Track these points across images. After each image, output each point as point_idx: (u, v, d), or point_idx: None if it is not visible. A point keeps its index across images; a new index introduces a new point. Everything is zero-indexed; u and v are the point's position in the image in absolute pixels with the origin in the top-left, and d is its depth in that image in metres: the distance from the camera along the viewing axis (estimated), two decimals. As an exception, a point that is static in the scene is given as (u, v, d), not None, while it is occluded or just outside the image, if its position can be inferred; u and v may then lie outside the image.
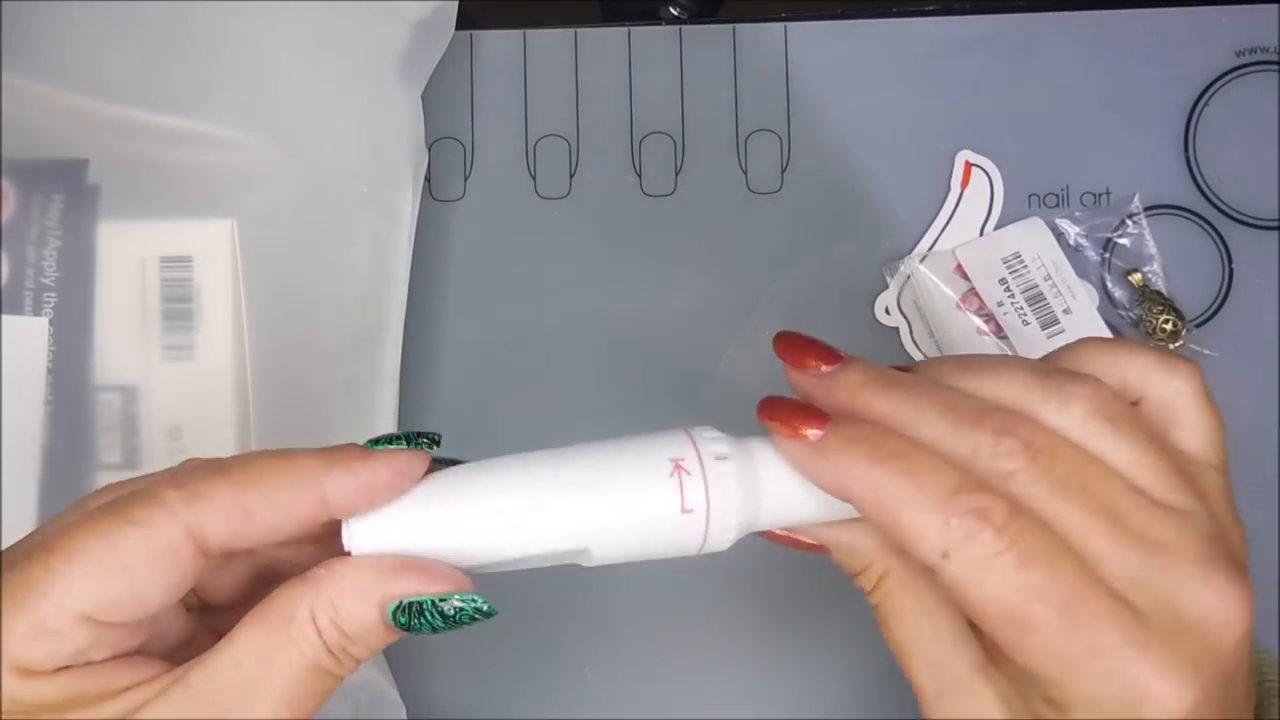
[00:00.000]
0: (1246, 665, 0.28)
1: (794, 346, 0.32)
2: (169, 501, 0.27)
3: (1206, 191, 0.46)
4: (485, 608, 0.29)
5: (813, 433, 0.29)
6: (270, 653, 0.27)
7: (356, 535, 0.28)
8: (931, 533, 0.28)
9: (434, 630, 0.28)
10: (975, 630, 0.30)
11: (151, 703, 0.27)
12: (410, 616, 0.28)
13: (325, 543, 0.30)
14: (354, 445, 0.29)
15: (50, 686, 0.27)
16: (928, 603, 0.30)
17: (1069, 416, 0.29)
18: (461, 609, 0.29)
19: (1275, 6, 0.46)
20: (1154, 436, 0.29)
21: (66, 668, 0.27)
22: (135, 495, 0.27)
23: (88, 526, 0.27)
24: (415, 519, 0.29)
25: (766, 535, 0.31)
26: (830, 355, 0.31)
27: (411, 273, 0.44)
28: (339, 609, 0.27)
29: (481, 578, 0.30)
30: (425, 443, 0.30)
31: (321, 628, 0.27)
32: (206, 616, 0.32)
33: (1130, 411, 0.29)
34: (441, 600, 0.28)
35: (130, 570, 0.27)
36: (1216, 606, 0.27)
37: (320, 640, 0.27)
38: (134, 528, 0.27)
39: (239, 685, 0.27)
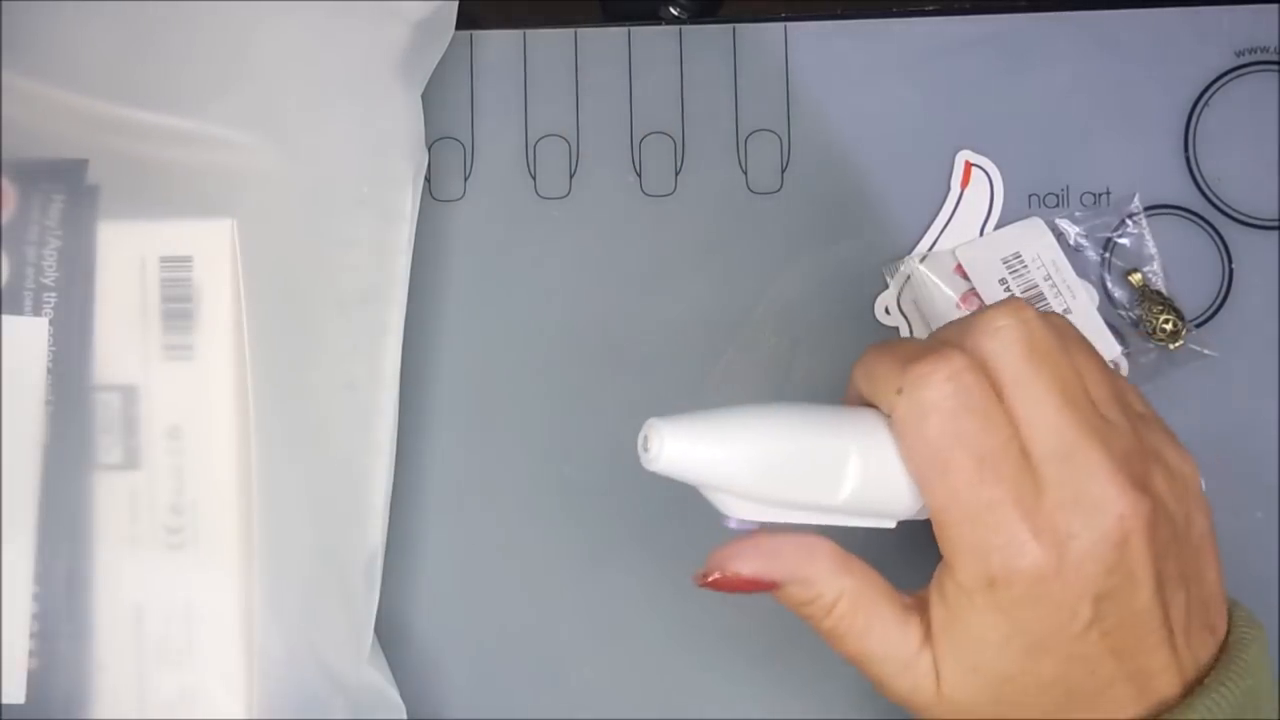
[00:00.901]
0: (1147, 576, 0.31)
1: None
2: None
3: (1206, 191, 0.46)
4: None
5: None
6: None
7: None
8: (894, 376, 0.32)
9: None
10: (910, 609, 0.34)
11: None
12: None
13: None
14: None
15: None
16: (872, 608, 0.33)
17: (1057, 318, 0.34)
18: None
19: (1275, 6, 0.46)
20: (1101, 364, 0.34)
21: None
22: None
23: None
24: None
25: (713, 584, 0.34)
26: None
27: (411, 273, 0.44)
28: None
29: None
30: None
31: None
32: None
33: (1082, 338, 0.34)
34: None
35: None
36: (1116, 501, 0.31)
37: None
38: None
39: None
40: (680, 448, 0.32)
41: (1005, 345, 0.32)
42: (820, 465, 0.33)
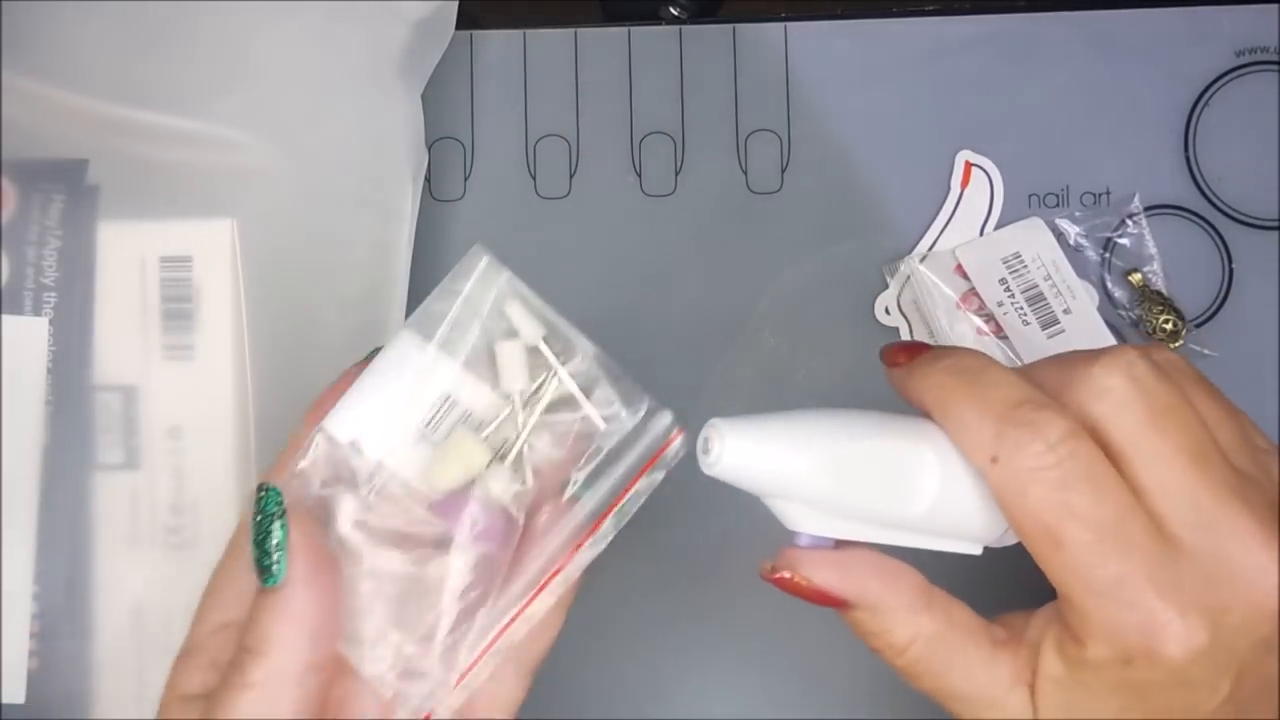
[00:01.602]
0: (1274, 644, 0.28)
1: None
2: None
3: (1206, 191, 0.46)
4: None
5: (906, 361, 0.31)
6: None
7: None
8: (986, 437, 0.28)
9: None
10: (1001, 645, 0.31)
11: None
12: None
13: None
14: None
15: None
16: (954, 650, 0.31)
17: (1165, 358, 0.30)
18: None
19: (1275, 6, 0.46)
20: (1225, 405, 0.30)
21: None
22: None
23: None
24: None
25: (779, 583, 0.31)
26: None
27: (411, 273, 0.44)
28: None
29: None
30: None
31: None
32: None
33: (1206, 380, 0.31)
34: None
35: None
36: (1269, 570, 0.28)
37: None
38: None
39: None
40: (744, 448, 0.29)
41: (1118, 409, 0.28)
42: (897, 471, 0.30)
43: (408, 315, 0.43)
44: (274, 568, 0.29)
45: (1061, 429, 0.28)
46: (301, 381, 0.41)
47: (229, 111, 0.41)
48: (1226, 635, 0.28)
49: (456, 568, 0.31)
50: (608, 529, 0.32)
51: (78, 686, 0.39)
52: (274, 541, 0.29)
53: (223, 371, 0.40)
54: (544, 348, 0.32)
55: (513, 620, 0.31)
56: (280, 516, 0.29)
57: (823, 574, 0.30)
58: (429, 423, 0.31)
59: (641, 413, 0.32)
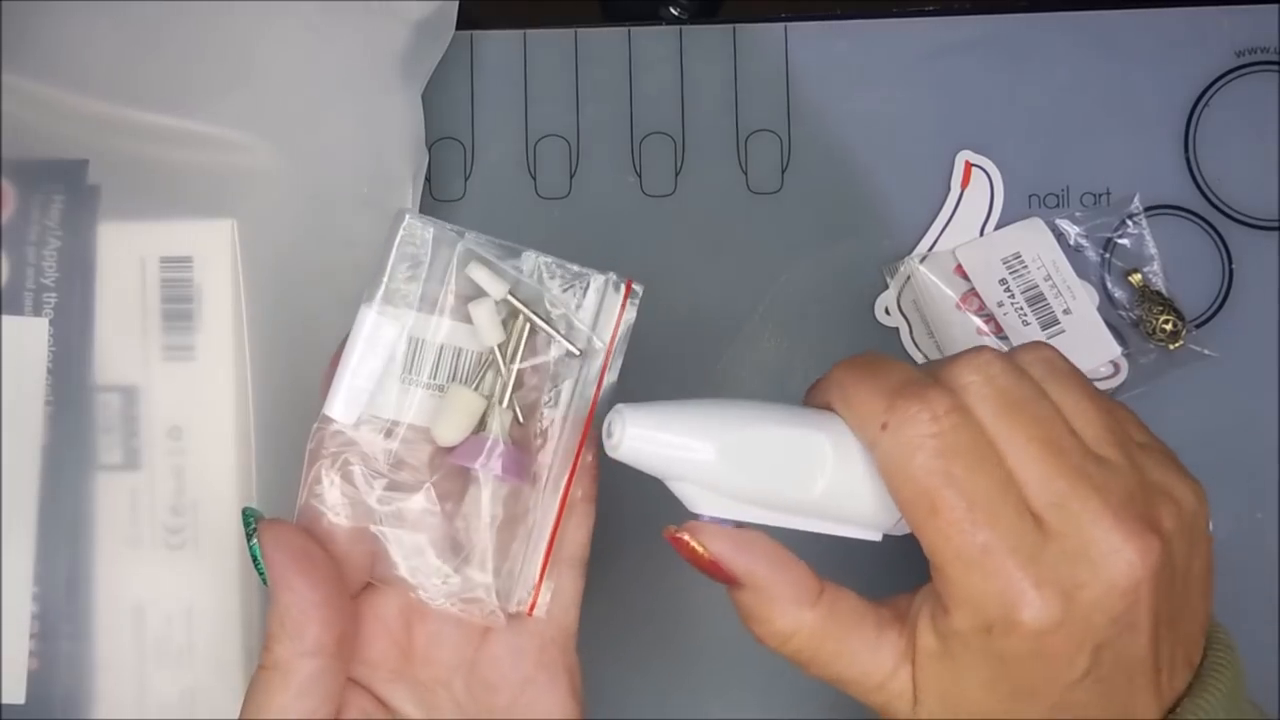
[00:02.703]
0: (1147, 623, 0.30)
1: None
2: None
3: (1206, 191, 0.46)
4: None
5: None
6: None
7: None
8: (878, 409, 0.31)
9: None
10: (885, 624, 0.33)
11: None
12: None
13: None
14: None
15: None
16: (839, 638, 0.32)
17: (1023, 359, 0.32)
18: None
19: (1275, 6, 0.46)
20: (1095, 398, 0.32)
21: None
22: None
23: None
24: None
25: (676, 543, 0.33)
26: None
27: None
28: None
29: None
30: None
31: None
32: None
33: (1076, 369, 0.32)
34: None
35: None
36: (1123, 548, 0.29)
37: None
38: None
39: None
40: (644, 434, 0.31)
41: (977, 401, 0.30)
42: (792, 456, 0.31)
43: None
44: (261, 575, 0.33)
45: (948, 403, 0.30)
46: (301, 381, 0.41)
47: (229, 111, 0.41)
48: (1081, 610, 0.29)
49: (485, 501, 0.34)
50: (608, 391, 0.35)
51: (78, 686, 0.39)
52: (254, 556, 0.33)
53: (223, 371, 0.40)
54: (513, 300, 0.34)
55: (558, 523, 0.35)
56: (253, 534, 0.33)
57: (717, 545, 0.32)
58: (409, 369, 0.34)
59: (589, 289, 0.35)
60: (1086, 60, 0.46)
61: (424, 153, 0.44)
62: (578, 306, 0.35)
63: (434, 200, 0.46)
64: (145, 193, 0.41)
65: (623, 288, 0.35)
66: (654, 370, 0.46)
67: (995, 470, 0.30)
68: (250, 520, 0.34)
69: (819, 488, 0.32)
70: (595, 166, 0.46)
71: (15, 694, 0.39)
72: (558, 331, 0.34)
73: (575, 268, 0.35)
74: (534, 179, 0.47)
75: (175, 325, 0.41)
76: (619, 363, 0.35)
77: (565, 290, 0.35)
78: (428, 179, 0.46)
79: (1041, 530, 0.30)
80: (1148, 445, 0.33)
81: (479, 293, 0.34)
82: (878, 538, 0.33)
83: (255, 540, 0.33)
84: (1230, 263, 0.46)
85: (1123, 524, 0.29)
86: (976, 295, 0.45)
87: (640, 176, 0.46)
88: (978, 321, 0.45)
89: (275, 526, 0.33)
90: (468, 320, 0.34)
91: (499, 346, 0.34)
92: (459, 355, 0.35)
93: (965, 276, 0.45)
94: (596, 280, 0.35)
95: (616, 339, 0.35)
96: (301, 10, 0.43)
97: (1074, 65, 0.46)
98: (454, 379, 0.35)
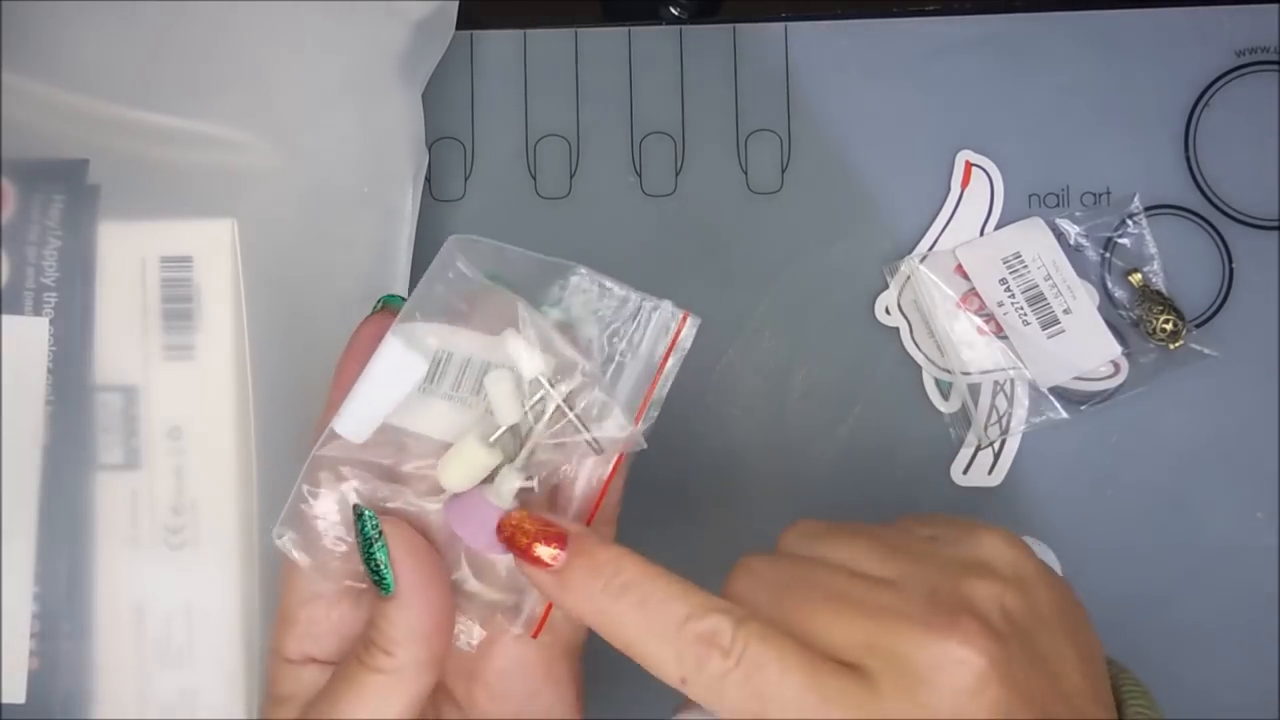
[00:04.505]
0: (1018, 700, 0.29)
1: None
2: None
3: (1206, 191, 0.46)
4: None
5: (548, 552, 0.32)
6: None
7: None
8: (669, 663, 0.30)
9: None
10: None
11: None
12: None
13: None
14: None
15: None
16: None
17: (785, 545, 0.33)
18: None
19: (1275, 6, 0.46)
20: (861, 531, 0.32)
21: None
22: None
23: None
24: None
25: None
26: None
27: (411, 273, 0.44)
28: None
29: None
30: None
31: None
32: None
33: (836, 525, 0.33)
34: None
35: None
36: (946, 652, 0.28)
37: None
38: None
39: None
40: None
41: (751, 610, 0.31)
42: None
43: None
44: (385, 581, 0.32)
45: (728, 631, 0.30)
46: (301, 381, 0.41)
47: (229, 111, 0.41)
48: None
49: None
50: (648, 420, 0.34)
51: (78, 686, 0.39)
52: (378, 562, 0.32)
53: (223, 371, 0.40)
54: (543, 382, 0.33)
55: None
56: (379, 539, 0.32)
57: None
58: (430, 378, 0.33)
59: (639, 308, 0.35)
60: (1086, 60, 0.46)
61: (424, 152, 0.44)
62: (627, 343, 0.34)
63: (434, 200, 0.46)
64: (145, 192, 0.41)
65: (675, 324, 0.34)
66: (654, 370, 0.46)
67: (800, 656, 0.29)
68: (372, 526, 0.32)
69: None
70: (595, 166, 0.46)
71: (15, 694, 0.39)
72: (585, 428, 0.33)
73: (621, 291, 0.34)
74: (534, 179, 0.47)
75: (175, 325, 0.41)
76: (655, 413, 0.34)
77: (611, 316, 0.34)
78: (428, 179, 0.46)
79: (871, 685, 0.29)
80: (935, 534, 0.33)
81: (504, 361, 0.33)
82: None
83: (380, 547, 0.32)
84: (1230, 262, 0.46)
85: (934, 629, 0.29)
86: (977, 295, 0.45)
87: (640, 176, 0.46)
88: (978, 321, 0.45)
89: (403, 531, 0.32)
90: (498, 332, 0.33)
91: (512, 426, 0.33)
92: (485, 370, 0.34)
93: (965, 276, 0.45)
94: (660, 312, 0.34)
95: (656, 387, 0.34)
96: (302, 10, 0.43)
97: (1074, 65, 0.46)
98: (477, 393, 0.34)
